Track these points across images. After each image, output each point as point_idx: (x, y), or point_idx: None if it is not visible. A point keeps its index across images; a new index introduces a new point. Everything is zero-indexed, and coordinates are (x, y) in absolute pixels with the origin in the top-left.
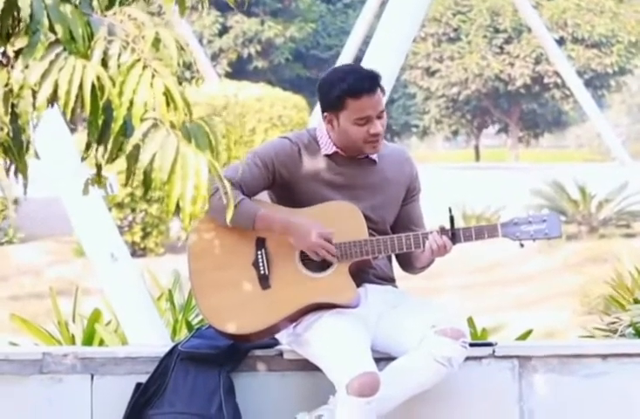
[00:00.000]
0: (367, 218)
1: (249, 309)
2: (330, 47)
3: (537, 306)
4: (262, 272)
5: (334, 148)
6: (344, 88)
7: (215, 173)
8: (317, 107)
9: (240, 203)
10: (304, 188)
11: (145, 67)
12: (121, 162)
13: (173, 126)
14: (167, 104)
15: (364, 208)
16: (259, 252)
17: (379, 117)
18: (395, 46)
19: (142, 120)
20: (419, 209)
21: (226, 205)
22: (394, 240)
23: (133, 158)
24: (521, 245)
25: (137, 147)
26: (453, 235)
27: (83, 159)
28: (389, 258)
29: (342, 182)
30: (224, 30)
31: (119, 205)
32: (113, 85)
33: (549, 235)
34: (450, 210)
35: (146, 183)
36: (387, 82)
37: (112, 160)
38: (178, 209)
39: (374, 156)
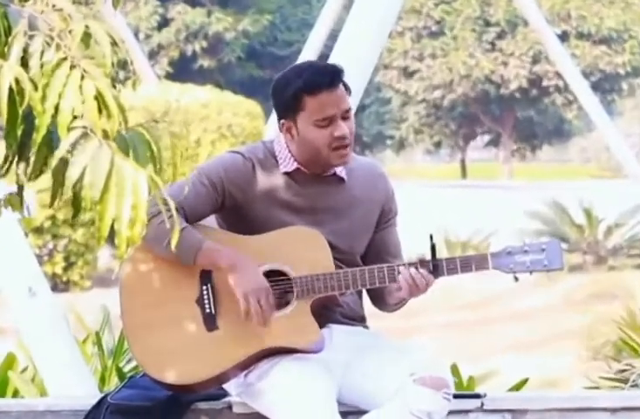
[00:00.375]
0: (333, 247)
1: (192, 354)
2: (289, 43)
3: (534, 351)
4: (208, 311)
5: (295, 165)
6: (299, 85)
7: (157, 191)
8: (274, 115)
9: (180, 233)
10: (259, 211)
11: (72, 67)
12: (41, 180)
13: (106, 135)
14: (99, 110)
15: (330, 234)
16: (204, 287)
17: (345, 117)
18: (367, 42)
19: (70, 129)
20: (396, 235)
21: (168, 231)
22: (365, 273)
23: (60, 174)
24: (516, 279)
25: (64, 161)
26: (435, 267)
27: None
28: (359, 294)
29: (303, 205)
30: (164, 23)
31: (38, 230)
32: (35, 88)
33: (549, 266)
34: (431, 237)
35: (76, 204)
36: (358, 85)
37: (34, 176)
38: (112, 233)
39: (342, 173)
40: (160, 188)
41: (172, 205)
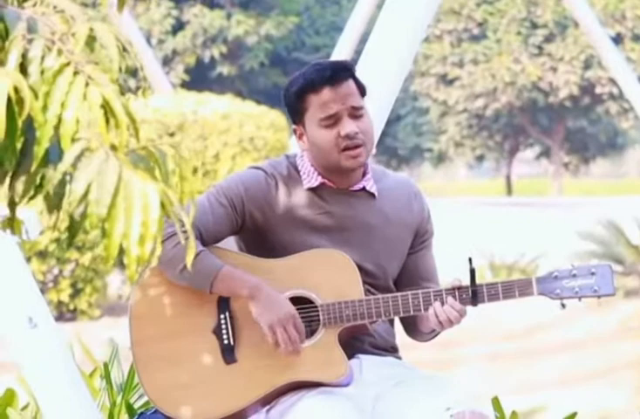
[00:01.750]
0: (363, 271)
1: (209, 389)
2: (317, 48)
3: (586, 383)
4: (226, 342)
5: (319, 179)
6: (301, 82)
7: (171, 208)
8: None
9: (196, 258)
10: (282, 232)
11: (76, 73)
12: (41, 200)
13: (114, 148)
14: (106, 120)
15: (359, 256)
16: (222, 316)
17: (354, 116)
18: (399, 46)
19: (74, 140)
20: (431, 258)
21: (183, 255)
22: (398, 300)
23: (62, 190)
24: (563, 306)
25: (66, 176)
26: (474, 293)
27: None
28: (390, 322)
29: (329, 223)
30: (179, 27)
31: (42, 254)
32: (35, 97)
33: (599, 292)
34: (470, 261)
35: (73, 227)
36: (389, 93)
37: (33, 195)
38: (121, 254)
39: (372, 188)
40: (173, 205)
41: (187, 224)
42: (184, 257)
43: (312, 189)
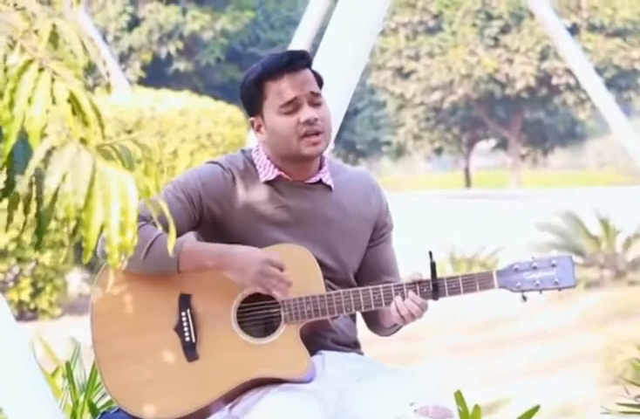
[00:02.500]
0: (323, 266)
1: (172, 387)
2: (273, 43)
3: (548, 375)
4: (188, 339)
5: (275, 172)
6: (259, 70)
7: (147, 196)
8: None
9: (155, 241)
10: (240, 227)
11: (41, 70)
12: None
13: (83, 141)
14: (74, 114)
15: (319, 251)
16: (183, 313)
17: (313, 103)
18: (355, 40)
19: (42, 136)
20: (391, 251)
21: (144, 243)
22: (359, 295)
23: (30, 190)
24: (524, 298)
25: (38, 172)
26: (435, 287)
27: None
28: (352, 317)
29: (287, 218)
30: (134, 23)
31: (2, 254)
32: (0, 95)
33: (560, 284)
34: (430, 255)
35: (41, 226)
36: (346, 87)
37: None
38: (81, 253)
39: (328, 181)
40: (151, 192)
41: (166, 210)
42: (144, 244)
43: (269, 183)
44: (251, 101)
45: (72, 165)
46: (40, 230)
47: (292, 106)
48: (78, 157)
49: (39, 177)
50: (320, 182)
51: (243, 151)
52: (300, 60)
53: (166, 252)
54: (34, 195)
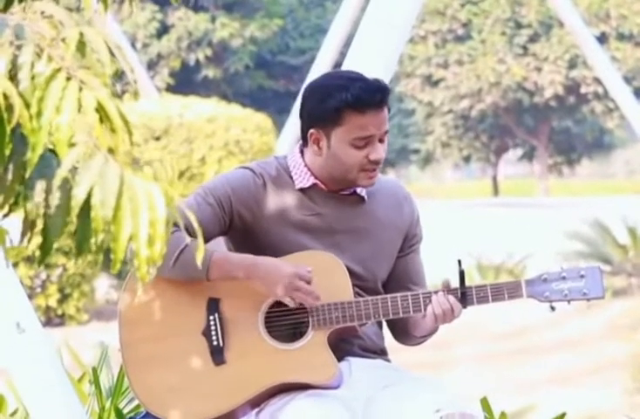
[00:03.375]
0: (352, 274)
1: (199, 391)
2: (302, 51)
3: (575, 383)
4: (215, 343)
5: (312, 180)
6: (347, 99)
7: (174, 207)
8: (288, 129)
9: (186, 248)
10: (271, 232)
11: (69, 78)
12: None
13: (111, 151)
14: (101, 123)
15: (349, 259)
16: (211, 317)
17: (382, 140)
18: (384, 48)
19: (70, 145)
20: (420, 262)
21: (174, 250)
22: (387, 302)
23: (65, 196)
24: (552, 308)
25: (66, 182)
26: (463, 295)
27: None
28: (379, 325)
29: (319, 225)
30: (164, 31)
31: (29, 260)
32: (25, 103)
33: (588, 295)
34: (459, 263)
35: (45, 245)
36: None
37: (13, 207)
38: (108, 261)
39: (362, 192)
40: (175, 203)
41: (194, 221)
42: (174, 251)
43: (302, 191)
44: (321, 120)
45: (100, 176)
46: (44, 250)
47: (365, 142)
48: (106, 167)
49: (49, 188)
50: (354, 193)
51: (277, 158)
52: (386, 98)
53: (195, 259)
54: (43, 208)
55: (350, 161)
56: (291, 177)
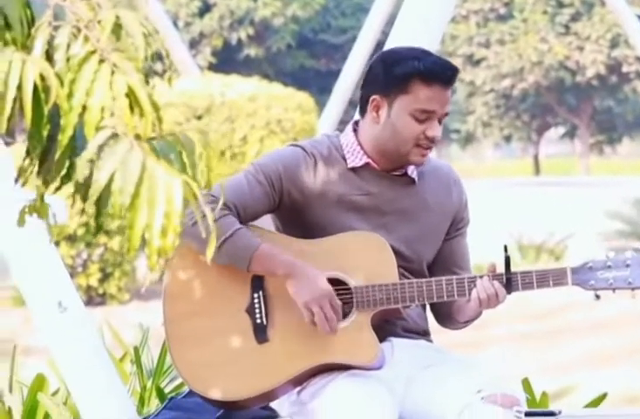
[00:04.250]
0: (398, 254)
1: (240, 368)
2: (343, 30)
3: (615, 363)
4: (259, 321)
5: (365, 159)
6: (419, 67)
7: (193, 199)
8: (330, 108)
9: (234, 235)
10: (320, 212)
11: (102, 61)
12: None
13: (138, 137)
14: (131, 108)
15: (396, 240)
16: (255, 295)
17: (440, 121)
18: (426, 27)
19: (98, 128)
20: (465, 246)
21: (220, 232)
22: (432, 285)
23: (88, 179)
24: (597, 297)
25: (91, 164)
26: (508, 281)
27: (21, 182)
28: (423, 307)
29: (369, 205)
30: (205, 9)
31: (71, 238)
32: (61, 84)
33: (634, 284)
34: (505, 249)
35: (99, 216)
36: None
37: (57, 183)
38: (143, 243)
39: (413, 174)
40: (197, 197)
41: (208, 214)
42: (220, 235)
43: (353, 170)
44: (387, 85)
45: (123, 162)
46: (98, 221)
47: (426, 116)
48: (129, 154)
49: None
50: (405, 174)
51: (328, 136)
52: (454, 79)
53: (240, 249)
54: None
55: (408, 132)
56: (343, 157)
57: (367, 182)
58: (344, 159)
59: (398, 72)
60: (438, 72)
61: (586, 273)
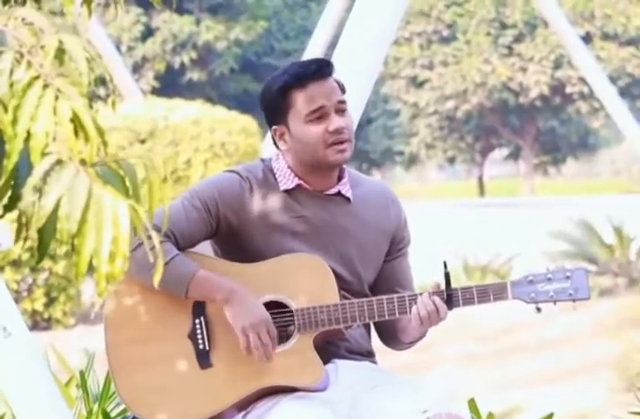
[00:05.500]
0: (338, 276)
1: (185, 394)
2: (287, 52)
3: (562, 383)
4: (201, 347)
5: (295, 181)
6: (285, 79)
7: (139, 222)
8: None
9: (170, 262)
10: (257, 236)
11: (46, 86)
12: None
13: (83, 162)
14: (76, 133)
15: (335, 262)
16: (197, 320)
17: (339, 111)
18: (369, 49)
19: (43, 154)
20: (408, 266)
21: (153, 263)
22: (373, 304)
23: (31, 205)
24: (538, 309)
25: (36, 191)
26: (449, 297)
27: None
28: (366, 327)
29: (305, 228)
30: (148, 33)
31: (15, 263)
32: (5, 110)
33: (574, 296)
34: (445, 265)
35: (42, 247)
36: (360, 96)
37: (3, 210)
38: (90, 269)
39: (348, 193)
40: (142, 220)
41: (155, 237)
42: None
43: (288, 193)
44: (275, 110)
45: (69, 188)
46: (40, 250)
47: (319, 114)
48: (76, 180)
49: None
50: (339, 193)
51: (263, 160)
52: (326, 68)
53: (177, 275)
54: (36, 212)
55: (312, 138)
56: (276, 179)
57: (301, 204)
58: (278, 182)
59: (274, 94)
60: (304, 72)
61: (526, 286)
